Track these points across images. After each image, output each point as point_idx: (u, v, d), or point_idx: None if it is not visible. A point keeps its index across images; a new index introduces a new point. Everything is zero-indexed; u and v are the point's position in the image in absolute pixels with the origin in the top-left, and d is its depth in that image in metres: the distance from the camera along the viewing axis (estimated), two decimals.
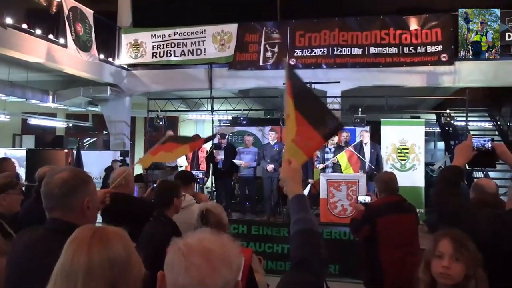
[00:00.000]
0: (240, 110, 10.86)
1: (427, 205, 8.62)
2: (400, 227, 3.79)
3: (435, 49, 9.46)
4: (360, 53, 9.79)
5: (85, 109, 12.39)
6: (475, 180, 8.76)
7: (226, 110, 11.17)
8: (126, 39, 11.11)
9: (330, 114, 1.99)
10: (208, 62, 10.54)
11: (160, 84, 11.09)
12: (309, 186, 7.77)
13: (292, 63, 10.11)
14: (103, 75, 10.31)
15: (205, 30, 10.56)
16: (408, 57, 9.59)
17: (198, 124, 14.93)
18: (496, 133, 12.59)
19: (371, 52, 9.73)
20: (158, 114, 10.62)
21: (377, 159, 8.67)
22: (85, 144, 15.41)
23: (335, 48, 9.89)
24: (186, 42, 10.67)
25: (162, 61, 10.92)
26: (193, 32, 10.65)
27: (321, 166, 8.62)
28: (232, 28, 10.43)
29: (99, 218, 3.69)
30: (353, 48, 9.83)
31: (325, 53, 9.95)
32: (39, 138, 12.82)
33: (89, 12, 9.53)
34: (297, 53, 10.09)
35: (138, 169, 9.09)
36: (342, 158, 8.71)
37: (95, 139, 15.66)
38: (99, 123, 13.56)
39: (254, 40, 10.32)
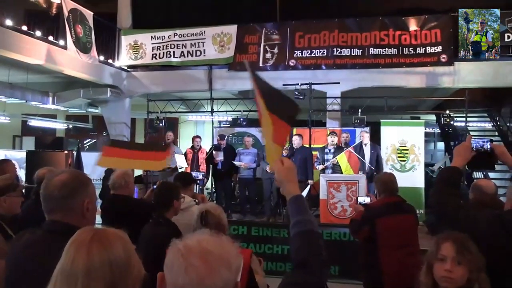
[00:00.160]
0: (240, 111, 10.87)
1: (427, 205, 8.62)
2: (399, 228, 3.79)
3: (435, 50, 9.47)
4: (360, 54, 9.80)
5: (85, 111, 12.40)
6: (474, 180, 8.78)
7: (226, 111, 11.18)
8: (126, 41, 11.12)
9: (289, 100, 2.02)
10: (208, 64, 10.55)
11: (160, 85, 11.10)
12: (308, 187, 7.77)
13: (291, 64, 10.12)
14: (103, 76, 10.32)
15: (204, 31, 10.58)
16: (407, 58, 9.59)
17: (198, 125, 14.93)
18: (496, 133, 12.60)
19: (370, 53, 9.74)
20: (158, 115, 10.62)
21: (377, 160, 8.67)
22: (85, 145, 15.41)
23: (335, 49, 9.90)
24: (186, 44, 10.68)
25: (162, 63, 10.93)
26: (193, 33, 10.66)
27: (321, 167, 8.63)
28: (232, 29, 10.44)
29: (99, 219, 3.71)
30: (352, 49, 9.84)
31: (325, 54, 9.96)
32: (39, 139, 12.86)
33: (89, 14, 9.54)
34: (296, 54, 10.10)
35: (138, 171, 9.11)
36: (342, 159, 8.72)
37: (95, 140, 15.66)
38: (99, 124, 13.57)
39: (253, 41, 10.33)
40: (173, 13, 11.46)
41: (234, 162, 9.10)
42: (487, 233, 1.89)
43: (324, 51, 9.98)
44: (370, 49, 9.75)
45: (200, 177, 8.09)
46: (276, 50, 10.20)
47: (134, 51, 11.06)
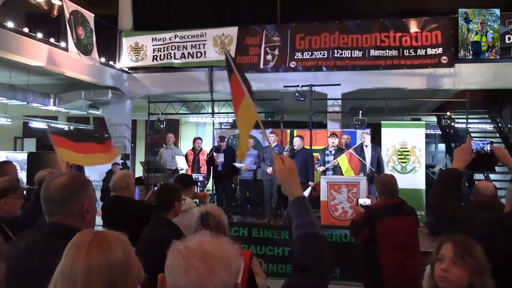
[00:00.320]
0: None
1: (428, 207, 8.62)
2: (399, 230, 3.79)
3: (435, 52, 9.48)
4: (360, 55, 9.81)
5: (86, 112, 12.42)
6: (475, 182, 8.77)
7: (227, 112, 11.19)
8: (127, 42, 11.15)
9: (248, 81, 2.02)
10: (209, 65, 10.57)
11: (161, 87, 11.12)
12: (309, 188, 7.77)
13: (292, 65, 10.13)
14: (104, 78, 10.34)
15: (205, 33, 10.60)
16: (408, 60, 9.60)
17: (199, 126, 14.94)
18: (497, 135, 12.59)
19: (371, 55, 9.74)
20: (159, 117, 10.64)
21: (378, 161, 8.65)
22: None
23: (335, 50, 9.91)
24: (187, 45, 10.70)
25: (163, 64, 10.95)
26: (194, 35, 10.69)
27: (321, 168, 8.62)
28: (233, 31, 10.45)
29: (99, 221, 3.72)
30: (353, 51, 9.85)
31: (326, 56, 9.97)
32: (40, 141, 12.87)
33: (90, 16, 9.56)
34: (297, 56, 10.11)
35: (139, 172, 9.12)
36: (343, 160, 8.71)
37: None
38: (100, 126, 13.57)
39: (254, 43, 10.35)
40: (174, 14, 11.50)
41: (235, 164, 9.10)
42: (486, 234, 1.89)
43: (324, 52, 9.99)
44: (371, 50, 9.76)
45: (201, 178, 8.09)
46: (276, 52, 10.22)
47: (135, 53, 11.08)
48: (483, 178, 9.77)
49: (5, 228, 2.79)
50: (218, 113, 10.98)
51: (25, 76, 9.33)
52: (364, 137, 8.82)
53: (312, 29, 10.14)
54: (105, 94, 10.56)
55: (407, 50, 9.63)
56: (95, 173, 9.73)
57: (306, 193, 7.37)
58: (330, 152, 8.71)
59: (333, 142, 8.74)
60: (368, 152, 8.67)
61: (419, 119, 12.42)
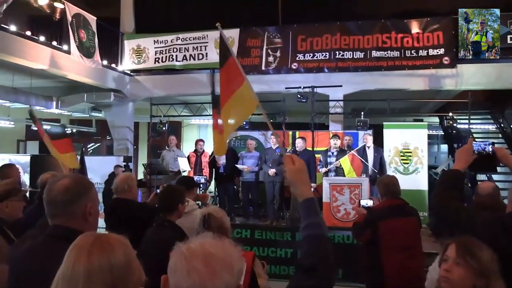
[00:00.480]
0: None
1: (429, 208, 8.60)
2: (401, 231, 3.79)
3: (437, 52, 9.47)
4: (362, 56, 9.82)
5: (88, 115, 12.45)
6: (478, 183, 8.74)
7: None
8: (129, 45, 11.18)
9: None
10: (211, 67, 10.59)
11: (163, 89, 11.14)
12: (311, 190, 7.75)
13: (294, 67, 10.14)
14: (106, 80, 10.37)
15: (207, 35, 10.62)
16: (410, 61, 9.60)
17: (201, 128, 14.96)
18: (500, 135, 12.56)
19: (373, 56, 9.75)
20: (161, 119, 10.66)
21: (380, 162, 8.65)
22: (88, 149, 15.45)
23: (337, 52, 9.92)
24: (188, 47, 10.73)
25: (165, 66, 10.98)
26: (195, 37, 10.71)
27: (324, 170, 8.62)
28: (234, 33, 10.46)
29: (102, 223, 3.73)
30: (355, 52, 9.85)
31: (327, 57, 9.98)
32: (43, 144, 12.86)
33: (92, 19, 9.60)
34: (299, 58, 10.12)
35: (140, 174, 9.13)
36: (345, 162, 8.70)
37: (99, 144, 15.71)
38: (102, 128, 13.62)
39: (256, 45, 10.36)
40: (176, 17, 11.53)
41: (237, 166, 9.10)
42: (487, 235, 1.88)
43: (326, 54, 10.00)
44: (373, 51, 9.77)
45: (202, 180, 8.09)
46: (278, 54, 10.23)
47: (137, 55, 11.11)
48: (486, 178, 9.76)
49: (7, 230, 2.80)
50: None
51: (27, 79, 9.37)
52: (366, 138, 8.82)
53: (313, 31, 10.15)
54: (107, 97, 10.59)
55: (409, 51, 9.63)
56: (97, 176, 9.75)
57: None
58: (332, 153, 8.71)
59: (335, 144, 8.74)
60: (370, 153, 8.67)
61: (421, 120, 12.41)
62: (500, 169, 2.38)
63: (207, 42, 10.62)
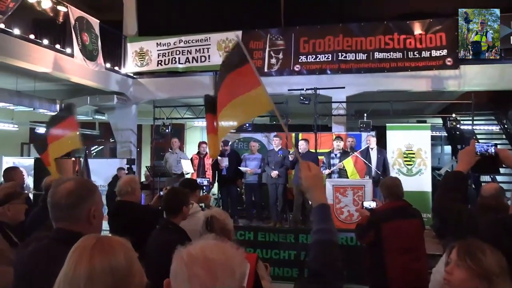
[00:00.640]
0: None
1: (432, 209, 8.57)
2: (405, 233, 3.78)
3: (440, 53, 9.46)
4: (365, 58, 9.81)
5: (91, 118, 12.48)
6: (482, 184, 8.72)
7: None
8: (131, 48, 11.22)
9: None
10: (213, 69, 10.60)
11: (166, 91, 11.16)
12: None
13: (297, 69, 10.14)
14: (110, 83, 10.40)
15: (209, 37, 10.64)
16: (412, 62, 9.59)
17: (204, 131, 14.91)
18: (503, 136, 12.52)
19: (375, 57, 9.74)
20: (164, 121, 10.67)
21: (383, 164, 8.63)
22: (92, 152, 15.50)
23: (340, 53, 9.92)
24: (191, 50, 10.75)
25: (168, 69, 11.00)
26: (198, 39, 10.74)
27: (327, 171, 8.61)
28: (237, 35, 10.48)
29: (106, 226, 3.74)
30: (357, 54, 9.85)
31: (330, 59, 9.98)
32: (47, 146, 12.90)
33: (95, 22, 9.63)
34: (301, 59, 10.13)
35: (142, 177, 9.13)
36: (349, 163, 8.69)
37: (102, 147, 15.75)
38: (106, 131, 13.65)
39: (258, 47, 10.37)
40: (178, 20, 11.56)
41: (240, 168, 9.11)
42: (489, 236, 1.88)
43: (329, 55, 10.00)
44: (375, 53, 9.76)
45: (205, 183, 8.10)
46: (281, 56, 10.24)
47: (140, 58, 11.14)
48: (490, 180, 9.73)
49: (9, 233, 2.81)
50: None
51: (31, 82, 9.40)
52: (369, 139, 8.81)
53: (316, 32, 10.16)
54: (110, 100, 10.62)
55: (412, 52, 9.62)
56: (100, 178, 9.78)
57: None
58: (336, 155, 8.71)
59: (338, 145, 8.73)
60: (373, 154, 8.66)
61: (425, 121, 12.38)
62: (504, 171, 2.37)
63: (210, 45, 10.64)
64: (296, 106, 9.60)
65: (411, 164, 9.15)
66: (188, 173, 9.51)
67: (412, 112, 12.12)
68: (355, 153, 8.76)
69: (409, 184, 7.99)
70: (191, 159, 9.77)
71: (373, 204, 4.35)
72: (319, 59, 10.05)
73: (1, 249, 2.61)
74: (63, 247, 1.30)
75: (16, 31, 7.71)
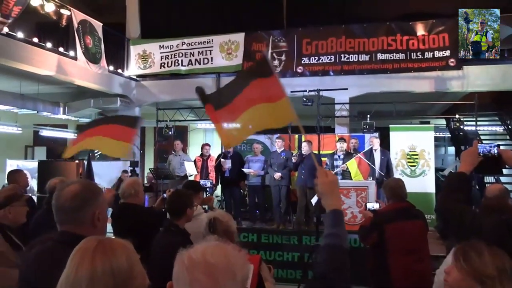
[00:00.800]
0: None
1: (435, 211, 8.53)
2: (408, 234, 3.77)
3: (443, 54, 9.44)
4: (367, 59, 9.81)
5: None
6: (486, 185, 8.69)
7: None
8: (134, 50, 11.25)
9: None
10: (216, 72, 10.62)
11: (169, 94, 11.19)
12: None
13: (299, 70, 10.15)
14: (113, 86, 10.43)
15: (212, 39, 10.67)
16: (415, 63, 9.57)
17: (207, 133, 14.99)
18: (507, 137, 12.48)
19: (378, 59, 9.73)
20: (168, 123, 10.69)
21: (387, 165, 8.62)
22: (95, 154, 15.52)
23: (342, 55, 9.92)
24: (194, 52, 10.78)
25: (171, 71, 11.03)
26: (201, 42, 10.76)
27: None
28: (239, 37, 10.51)
29: (109, 228, 3.74)
30: (360, 55, 9.85)
31: (332, 60, 9.98)
32: (51, 149, 12.98)
33: (98, 25, 9.67)
34: (304, 61, 10.13)
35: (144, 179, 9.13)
36: (352, 165, 8.69)
37: None
38: None
39: (261, 49, 10.38)
40: (181, 22, 11.57)
41: (244, 170, 9.11)
42: (493, 238, 1.87)
43: (331, 57, 10.00)
44: (378, 54, 9.75)
45: (209, 185, 8.11)
46: (283, 57, 10.25)
47: (143, 61, 11.17)
48: (494, 181, 9.69)
49: (12, 236, 2.82)
50: None
51: (35, 85, 9.44)
52: (372, 141, 8.80)
53: (318, 34, 10.16)
54: (113, 102, 10.65)
55: (414, 53, 9.60)
56: (104, 181, 9.80)
57: (315, 198, 7.34)
58: (339, 156, 8.71)
59: (341, 147, 8.73)
60: (377, 156, 8.65)
61: (428, 122, 12.36)
62: (507, 171, 2.37)
63: (212, 47, 10.67)
64: (299, 107, 9.57)
65: (414, 165, 9.13)
66: (191, 175, 9.51)
67: (415, 113, 12.10)
68: (358, 154, 8.75)
69: (412, 185, 7.97)
70: (194, 161, 9.79)
71: (376, 206, 4.34)
72: (322, 60, 10.05)
73: (2, 251, 2.62)
74: (68, 250, 1.31)
75: (20, 35, 7.75)
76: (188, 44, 10.83)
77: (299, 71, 10.13)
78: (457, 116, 9.86)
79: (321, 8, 11.01)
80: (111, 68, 10.27)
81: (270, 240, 7.16)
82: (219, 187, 9.96)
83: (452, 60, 9.37)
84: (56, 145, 14.01)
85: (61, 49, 8.81)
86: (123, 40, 11.27)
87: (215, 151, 10.89)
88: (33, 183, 9.93)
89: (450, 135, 13.48)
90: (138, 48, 11.24)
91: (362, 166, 8.85)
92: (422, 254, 3.80)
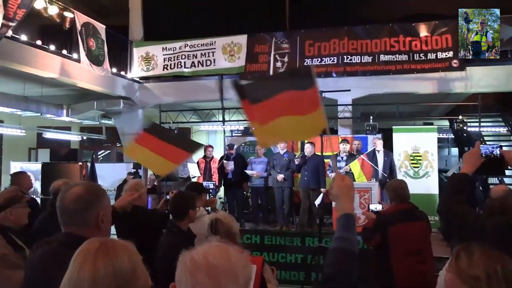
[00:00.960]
0: None
1: (438, 212, 8.49)
2: (411, 235, 3.77)
3: (446, 55, 9.42)
4: (370, 61, 9.80)
5: (98, 122, 12.55)
6: (490, 186, 8.65)
7: (238, 120, 11.22)
8: (137, 53, 11.28)
9: None
10: (219, 73, 10.63)
11: (172, 96, 11.20)
12: (321, 195, 7.76)
13: None
14: (116, 88, 10.45)
15: (215, 41, 10.68)
16: (418, 64, 9.56)
17: (210, 134, 15.01)
18: (511, 138, 12.43)
19: (381, 60, 9.72)
20: (171, 125, 10.70)
21: (390, 167, 8.60)
22: (99, 156, 15.57)
23: (345, 56, 9.91)
24: (197, 54, 10.79)
25: (173, 73, 11.05)
26: (203, 44, 10.77)
27: (333, 175, 8.60)
28: (242, 39, 10.52)
29: (113, 230, 3.75)
30: (363, 56, 9.84)
31: (335, 62, 9.97)
32: (54, 151, 13.03)
33: (101, 27, 9.70)
34: (307, 63, 10.13)
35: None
36: (355, 166, 8.68)
37: (109, 151, 15.82)
38: (112, 135, 13.71)
39: (263, 51, 10.39)
40: (184, 24, 11.59)
41: (247, 171, 9.12)
42: (496, 239, 1.87)
43: (334, 58, 9.99)
44: (381, 55, 9.74)
45: (211, 186, 8.11)
46: (286, 59, 10.25)
47: (146, 63, 11.20)
48: (498, 182, 9.66)
49: (14, 238, 2.83)
50: (229, 121, 11.02)
51: (38, 87, 9.47)
52: (375, 142, 8.78)
53: (321, 36, 10.16)
54: (117, 104, 10.67)
55: (417, 55, 9.59)
56: (107, 183, 9.82)
57: (318, 200, 7.35)
58: (342, 158, 8.70)
59: (344, 148, 8.72)
60: (380, 157, 8.63)
61: (431, 124, 12.32)
62: (510, 172, 2.36)
63: (215, 49, 10.68)
64: None
65: (418, 167, 9.11)
66: (194, 177, 9.53)
67: (418, 114, 12.06)
68: (361, 155, 8.74)
69: (416, 187, 7.96)
70: (197, 163, 9.80)
71: (379, 207, 4.34)
72: (325, 62, 10.05)
73: (4, 254, 2.62)
74: (72, 251, 1.32)
75: (23, 37, 7.78)
76: (191, 46, 10.85)
77: None
78: (460, 117, 9.83)
79: (324, 10, 11.02)
80: (114, 70, 10.30)
81: (273, 241, 7.15)
82: (222, 188, 9.97)
83: (455, 61, 9.35)
84: (60, 147, 14.07)
85: (64, 52, 8.83)
86: (126, 42, 11.30)
87: (218, 152, 10.90)
88: (36, 185, 9.96)
89: (453, 136, 13.44)
90: (141, 50, 11.27)
91: (365, 168, 8.83)
92: (425, 256, 3.80)
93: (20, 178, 5.37)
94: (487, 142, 10.79)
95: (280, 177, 8.67)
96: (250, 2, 11.27)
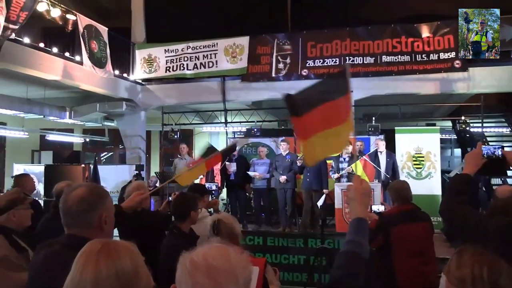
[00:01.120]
0: (254, 121, 10.89)
1: (440, 213, 8.48)
2: (413, 236, 3.77)
3: (448, 56, 9.40)
4: (372, 62, 9.78)
5: (101, 124, 12.58)
6: (493, 187, 8.63)
7: (240, 122, 11.24)
8: (140, 55, 11.30)
9: None
10: (221, 75, 10.65)
11: (174, 97, 11.22)
12: (324, 196, 7.76)
13: (304, 73, 10.14)
14: (118, 90, 10.48)
15: (217, 43, 10.69)
16: (421, 65, 9.53)
17: (212, 136, 15.02)
18: None
19: (383, 61, 9.70)
20: (173, 127, 10.73)
21: (393, 168, 8.59)
22: (102, 158, 15.60)
23: (347, 57, 9.89)
24: (199, 56, 10.80)
25: (176, 75, 11.06)
26: (205, 45, 10.79)
27: (336, 176, 8.60)
28: (244, 40, 10.52)
29: (115, 232, 3.76)
30: (365, 57, 9.82)
31: (337, 63, 9.96)
32: (57, 153, 13.04)
33: (103, 29, 9.73)
34: (309, 64, 10.13)
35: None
36: (358, 167, 8.67)
37: (112, 153, 15.86)
38: (115, 137, 13.75)
39: (266, 52, 10.39)
40: (186, 26, 11.62)
41: (249, 173, 9.12)
42: (498, 240, 1.87)
43: (336, 60, 9.99)
44: (383, 56, 9.72)
45: (214, 188, 8.12)
46: (288, 60, 10.25)
47: (148, 65, 11.22)
48: (501, 182, 9.64)
49: (17, 239, 2.84)
50: (231, 122, 11.02)
51: (41, 90, 9.50)
52: (378, 143, 8.77)
53: (323, 37, 10.15)
54: (119, 106, 10.70)
55: (420, 55, 9.57)
56: (110, 185, 9.84)
57: (321, 201, 7.35)
58: (344, 159, 8.69)
59: (346, 149, 8.71)
60: (382, 158, 8.62)
61: (434, 124, 12.31)
62: (510, 173, 2.36)
63: (217, 50, 10.69)
64: None
65: (420, 168, 9.10)
66: (196, 178, 9.52)
67: (421, 115, 12.06)
68: (363, 157, 8.74)
69: (418, 188, 7.95)
70: None
71: (381, 208, 4.34)
72: (327, 63, 10.05)
73: (5, 255, 2.63)
74: (75, 253, 1.32)
75: (26, 40, 7.81)
76: (193, 48, 10.87)
77: (304, 74, 10.13)
78: (463, 118, 9.81)
79: (326, 11, 11.03)
80: (117, 72, 10.32)
81: (276, 243, 7.14)
82: (224, 190, 9.98)
83: (457, 61, 9.32)
84: (63, 149, 14.10)
85: (67, 54, 8.86)
86: (128, 45, 11.33)
87: None
88: (39, 187, 9.99)
89: (456, 137, 13.42)
90: (143, 52, 11.29)
91: (368, 169, 8.83)
92: (427, 256, 3.79)
93: (23, 180, 5.39)
94: (490, 143, 10.77)
95: (283, 178, 8.66)
96: (251, 3, 11.28)
